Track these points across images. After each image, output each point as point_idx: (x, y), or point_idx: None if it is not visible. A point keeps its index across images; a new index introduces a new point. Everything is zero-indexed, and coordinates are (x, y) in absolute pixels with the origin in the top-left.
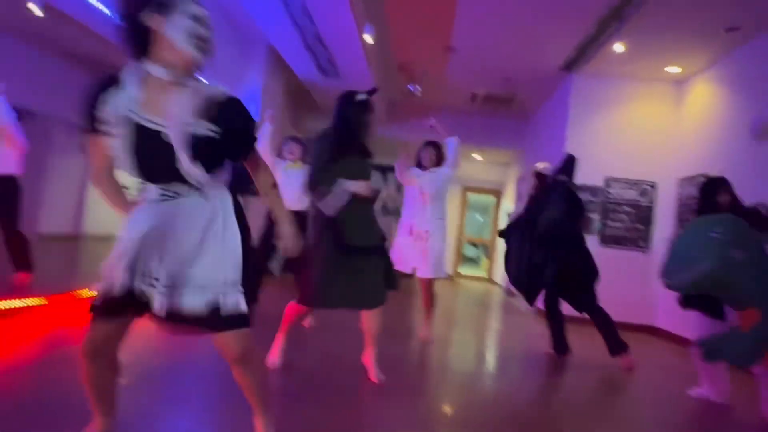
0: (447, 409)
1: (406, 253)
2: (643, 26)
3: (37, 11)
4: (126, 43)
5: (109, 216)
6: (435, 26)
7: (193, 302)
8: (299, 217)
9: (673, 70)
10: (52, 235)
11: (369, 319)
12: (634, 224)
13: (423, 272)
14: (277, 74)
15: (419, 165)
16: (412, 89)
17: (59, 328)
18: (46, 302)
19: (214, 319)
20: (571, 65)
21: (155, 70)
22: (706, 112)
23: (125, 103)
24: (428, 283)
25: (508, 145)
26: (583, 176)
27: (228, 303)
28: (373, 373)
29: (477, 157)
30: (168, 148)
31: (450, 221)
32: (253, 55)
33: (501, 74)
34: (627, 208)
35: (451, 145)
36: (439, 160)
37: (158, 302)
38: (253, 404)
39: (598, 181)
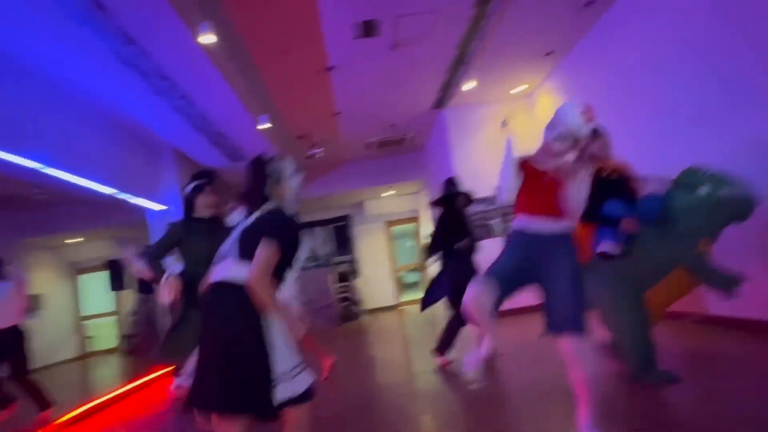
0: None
1: None
2: (484, 63)
3: None
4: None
5: (42, 348)
6: (318, 99)
7: None
8: None
9: (521, 88)
10: None
11: None
12: None
13: None
14: (189, 169)
15: None
16: (314, 153)
17: None
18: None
19: None
20: (439, 104)
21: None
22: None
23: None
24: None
25: (412, 177)
26: (480, 190)
27: None
28: None
29: (389, 192)
30: None
31: (380, 256)
32: (162, 160)
33: (386, 122)
34: None
35: None
36: None
37: None
38: None
39: (491, 191)
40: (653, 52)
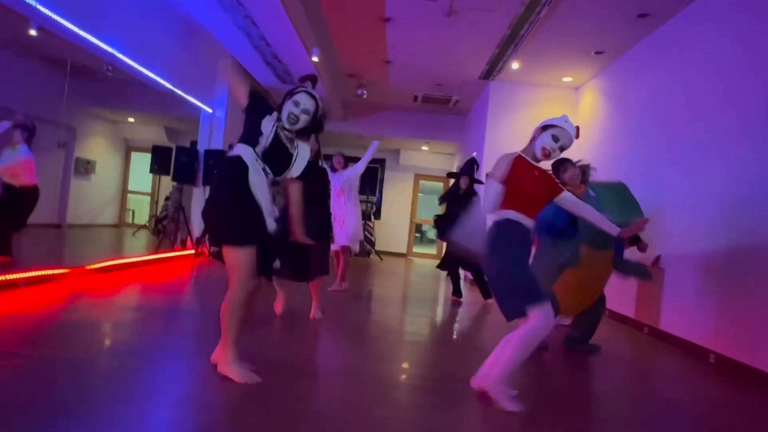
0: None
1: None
2: (532, 48)
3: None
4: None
5: (88, 208)
6: (372, 46)
7: None
8: None
9: (568, 79)
10: (37, 224)
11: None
12: None
13: (342, 241)
14: (242, 81)
15: (333, 169)
16: (360, 93)
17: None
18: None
19: None
20: (487, 75)
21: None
22: (592, 115)
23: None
24: (344, 251)
25: (450, 139)
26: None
27: None
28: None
29: (425, 147)
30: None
31: (403, 204)
32: (220, 68)
33: (434, 81)
34: None
35: (372, 147)
36: (347, 164)
37: None
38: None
39: None
40: (695, 74)
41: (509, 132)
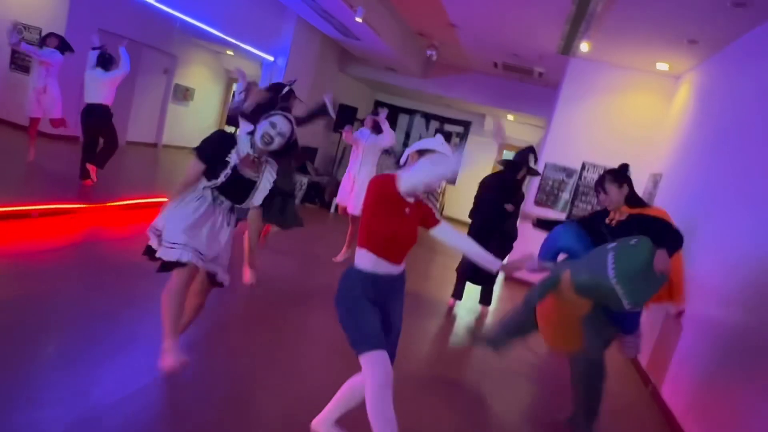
0: None
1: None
2: (611, 29)
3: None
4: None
5: (183, 132)
6: (430, 8)
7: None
8: None
9: (662, 66)
10: (136, 142)
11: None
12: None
13: (351, 210)
14: (312, 29)
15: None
16: (429, 54)
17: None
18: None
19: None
20: (566, 51)
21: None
22: (683, 112)
23: (234, 158)
24: (354, 219)
25: (536, 112)
26: (562, 158)
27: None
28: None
29: (510, 117)
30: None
31: (482, 173)
32: (286, 18)
33: (509, 50)
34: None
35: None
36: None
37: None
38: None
39: (575, 164)
40: None
41: (579, 118)
